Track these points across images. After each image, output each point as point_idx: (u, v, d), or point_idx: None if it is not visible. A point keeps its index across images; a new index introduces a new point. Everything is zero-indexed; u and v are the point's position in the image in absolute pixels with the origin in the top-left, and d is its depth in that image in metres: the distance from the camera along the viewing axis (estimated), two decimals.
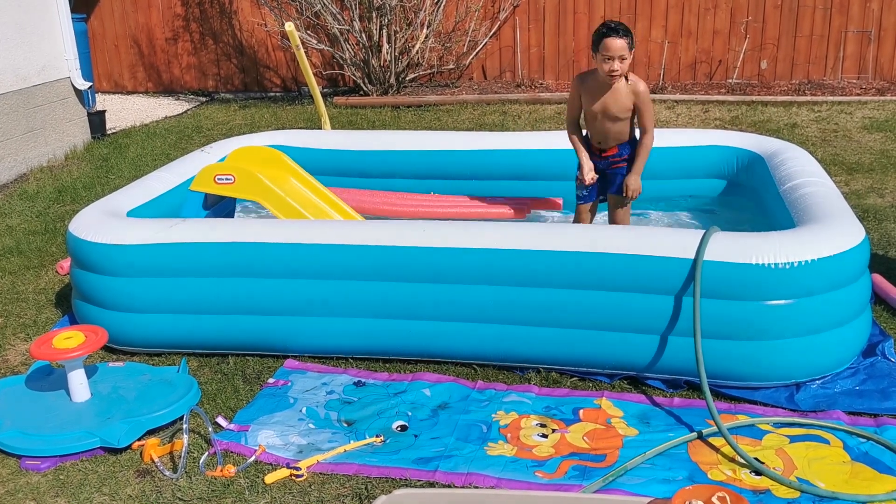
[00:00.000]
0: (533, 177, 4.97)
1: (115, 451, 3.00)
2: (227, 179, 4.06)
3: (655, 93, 8.35)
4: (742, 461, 2.78)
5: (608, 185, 4.18)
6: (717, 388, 3.18)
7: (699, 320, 3.04)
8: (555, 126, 7.33)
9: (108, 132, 8.04)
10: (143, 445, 3.01)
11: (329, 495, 2.71)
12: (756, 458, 2.78)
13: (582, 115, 4.14)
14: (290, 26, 5.47)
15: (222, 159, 4.64)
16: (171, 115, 8.85)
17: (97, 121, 7.82)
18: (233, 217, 4.45)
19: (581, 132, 4.19)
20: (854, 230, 3.24)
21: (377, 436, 3.02)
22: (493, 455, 2.88)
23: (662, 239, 3.22)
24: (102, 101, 9.32)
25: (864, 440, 2.87)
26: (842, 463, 2.76)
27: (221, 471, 2.82)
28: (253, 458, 2.88)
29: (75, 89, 7.47)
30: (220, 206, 4.31)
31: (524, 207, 4.78)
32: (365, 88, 8.83)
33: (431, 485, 2.73)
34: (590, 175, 4.08)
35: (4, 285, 4.59)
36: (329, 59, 9.46)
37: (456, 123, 7.60)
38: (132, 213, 4.06)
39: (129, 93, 10.36)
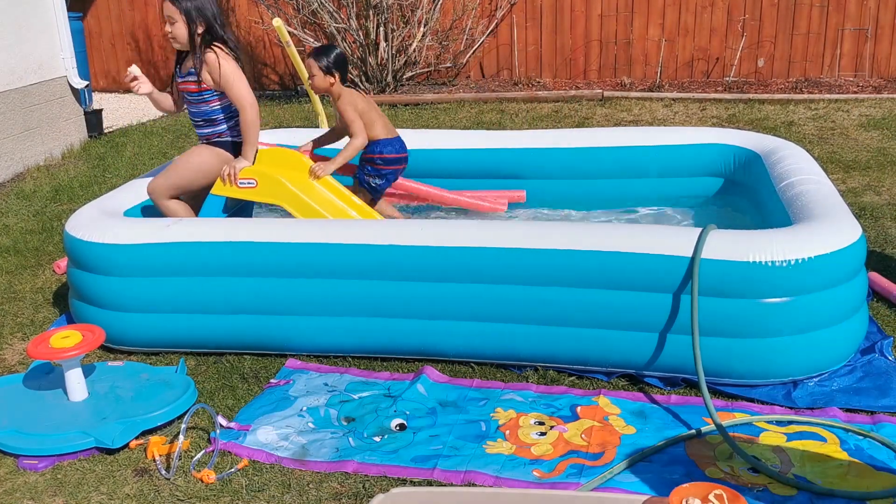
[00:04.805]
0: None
1: (113, 451, 3.00)
2: (249, 184, 4.05)
3: (653, 91, 8.36)
4: (739, 458, 2.79)
5: None
6: (714, 386, 3.18)
7: (697, 318, 3.05)
8: (551, 124, 7.33)
9: (105, 131, 8.03)
10: (144, 444, 3.01)
11: (327, 494, 2.71)
12: (753, 456, 2.78)
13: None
14: (277, 22, 5.44)
15: None
16: (168, 114, 8.83)
17: (94, 119, 7.82)
18: (251, 217, 4.44)
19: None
20: (851, 228, 3.24)
21: (376, 435, 3.02)
22: (491, 453, 2.88)
23: (660, 237, 3.22)
24: (99, 100, 9.31)
25: (860, 437, 2.88)
26: (839, 460, 2.77)
27: (202, 475, 2.80)
28: (234, 469, 2.85)
29: (72, 88, 7.46)
30: (239, 209, 4.32)
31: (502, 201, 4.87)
32: (362, 87, 8.82)
33: (429, 483, 2.74)
34: None
35: (1, 284, 4.59)
36: None
37: (453, 122, 7.60)
38: (129, 213, 4.06)
39: (126, 91, 10.35)
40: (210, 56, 3.99)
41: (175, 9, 3.96)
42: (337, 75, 4.42)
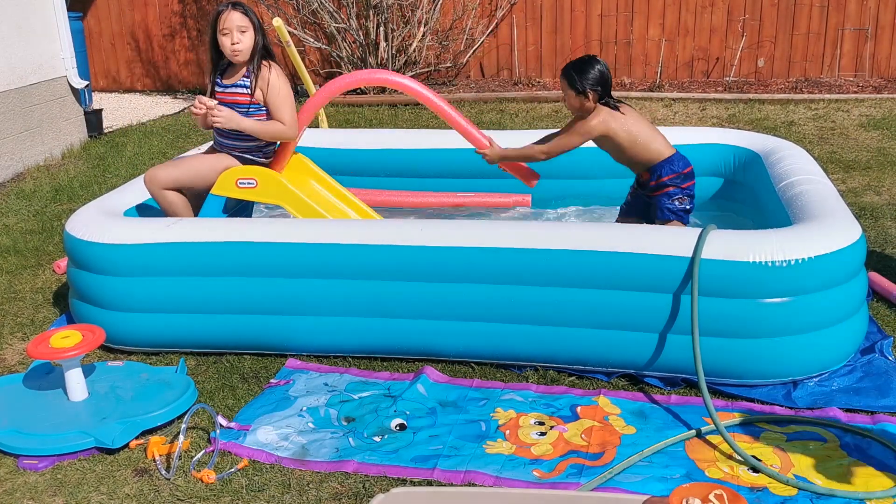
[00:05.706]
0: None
1: (113, 451, 3.00)
2: (249, 183, 4.04)
3: (653, 91, 8.36)
4: (739, 458, 2.79)
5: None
6: (714, 386, 3.18)
7: (697, 318, 3.05)
8: (552, 124, 7.32)
9: (105, 131, 8.03)
10: (143, 444, 3.01)
11: (327, 494, 2.71)
12: (753, 456, 2.78)
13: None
14: (277, 22, 5.45)
15: None
16: (168, 114, 8.84)
17: (94, 119, 7.81)
18: (251, 217, 4.44)
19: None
20: (851, 228, 3.24)
21: (376, 435, 3.02)
22: (491, 453, 2.88)
23: (660, 237, 3.23)
24: (99, 100, 9.31)
25: (860, 437, 2.88)
26: (839, 460, 2.77)
27: (202, 475, 2.80)
28: (234, 469, 2.85)
29: (72, 88, 7.46)
30: (239, 209, 4.32)
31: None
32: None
33: (429, 483, 2.74)
34: None
35: (1, 284, 4.59)
36: (327, 58, 9.45)
37: None
38: (129, 213, 4.06)
39: (126, 90, 10.35)
40: (265, 72, 3.94)
41: (248, 20, 3.90)
42: (591, 95, 3.90)
